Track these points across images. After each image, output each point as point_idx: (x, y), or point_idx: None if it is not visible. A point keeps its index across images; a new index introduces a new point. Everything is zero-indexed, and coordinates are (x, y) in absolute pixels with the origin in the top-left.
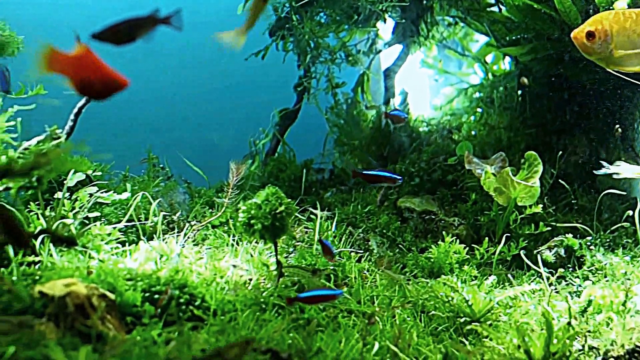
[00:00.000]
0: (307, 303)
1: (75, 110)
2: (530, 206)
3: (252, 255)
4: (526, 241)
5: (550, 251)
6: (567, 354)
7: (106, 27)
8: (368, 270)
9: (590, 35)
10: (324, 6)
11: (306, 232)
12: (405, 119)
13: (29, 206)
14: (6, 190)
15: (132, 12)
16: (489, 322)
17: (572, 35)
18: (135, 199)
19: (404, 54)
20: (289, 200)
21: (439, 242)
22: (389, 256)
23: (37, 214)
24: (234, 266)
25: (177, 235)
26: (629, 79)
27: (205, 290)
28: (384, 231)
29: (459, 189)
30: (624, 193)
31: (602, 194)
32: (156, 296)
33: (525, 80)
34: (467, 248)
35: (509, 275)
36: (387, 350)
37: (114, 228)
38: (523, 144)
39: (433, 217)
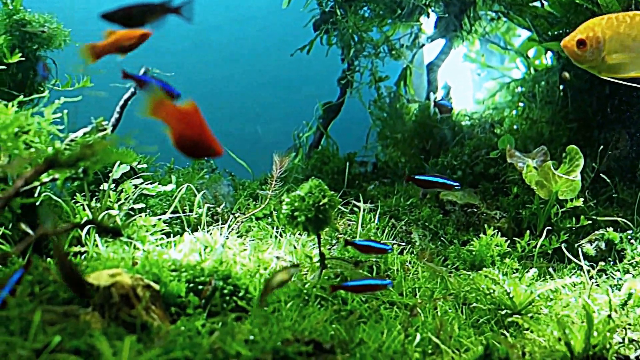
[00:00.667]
0: (355, 292)
1: (121, 102)
2: (572, 200)
3: (295, 247)
4: (567, 234)
5: (591, 244)
6: (608, 346)
7: (118, 9)
8: (410, 263)
9: (581, 43)
10: (367, 0)
11: (349, 225)
12: (451, 109)
13: (75, 197)
14: (53, 181)
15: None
16: (529, 315)
17: (562, 43)
18: (179, 190)
19: (447, 48)
20: (332, 192)
21: (481, 235)
22: (431, 249)
23: (83, 205)
24: (278, 258)
25: (221, 227)
26: (626, 83)
27: (248, 282)
28: (426, 224)
29: (501, 182)
30: None
31: None
32: (200, 287)
33: (567, 74)
34: (509, 241)
35: (550, 269)
36: (429, 342)
37: (159, 219)
38: (564, 138)
39: (475, 210)
